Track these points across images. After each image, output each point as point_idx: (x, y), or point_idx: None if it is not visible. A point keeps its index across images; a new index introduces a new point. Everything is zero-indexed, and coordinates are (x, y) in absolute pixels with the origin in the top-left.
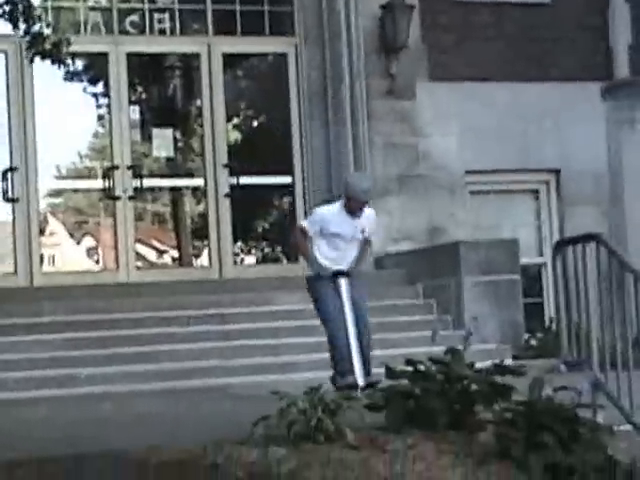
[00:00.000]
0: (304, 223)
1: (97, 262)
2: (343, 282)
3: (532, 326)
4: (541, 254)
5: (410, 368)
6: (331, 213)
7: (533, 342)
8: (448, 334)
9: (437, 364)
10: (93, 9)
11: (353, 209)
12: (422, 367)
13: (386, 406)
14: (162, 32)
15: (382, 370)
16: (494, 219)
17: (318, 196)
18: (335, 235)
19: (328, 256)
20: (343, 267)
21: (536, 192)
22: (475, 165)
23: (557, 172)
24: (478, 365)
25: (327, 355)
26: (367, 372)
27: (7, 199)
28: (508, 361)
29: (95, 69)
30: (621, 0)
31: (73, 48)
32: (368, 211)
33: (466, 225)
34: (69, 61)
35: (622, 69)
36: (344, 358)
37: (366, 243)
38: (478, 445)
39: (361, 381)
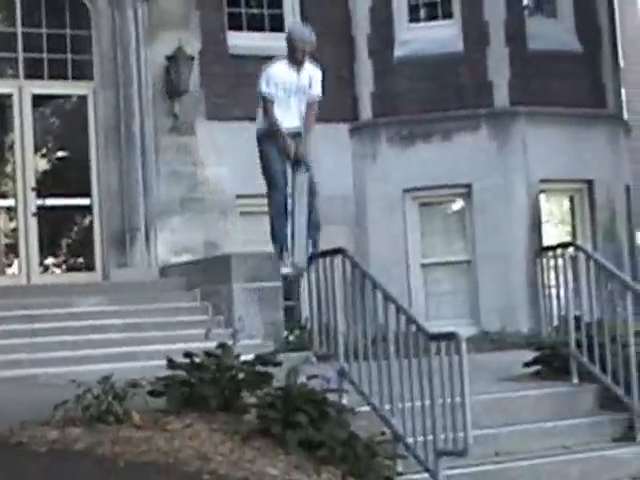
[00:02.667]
0: (264, 89)
1: None
2: (300, 178)
3: (291, 324)
4: None
5: (187, 360)
6: (278, 67)
7: (291, 338)
8: (220, 332)
9: (210, 357)
10: None
11: (297, 58)
12: (197, 359)
13: (166, 392)
14: None
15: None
16: (261, 236)
17: (112, 216)
18: (285, 88)
19: (282, 112)
20: (294, 126)
21: None
22: (244, 190)
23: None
24: (245, 357)
25: (121, 350)
26: (314, 242)
27: None
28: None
29: None
30: (365, 55)
31: None
32: (311, 66)
33: (237, 241)
34: None
35: (366, 112)
36: (281, 223)
37: (311, 106)
38: (244, 424)
39: (303, 261)
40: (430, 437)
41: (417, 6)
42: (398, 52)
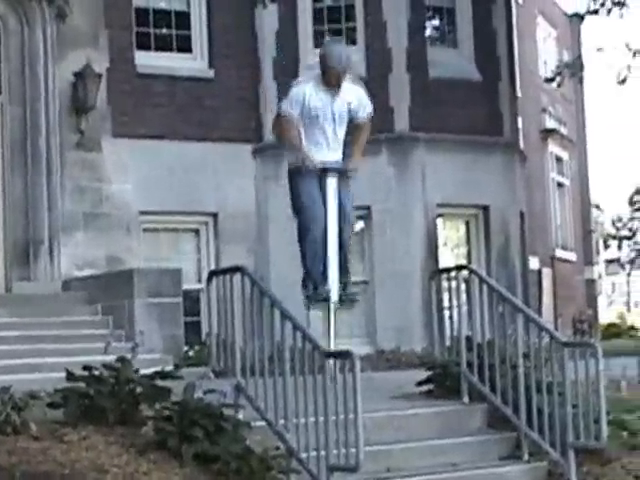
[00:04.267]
0: (283, 106)
1: None
2: (331, 181)
3: (192, 340)
4: (200, 281)
5: (87, 373)
6: (309, 87)
7: (191, 353)
8: (120, 346)
9: (109, 370)
10: None
11: (330, 81)
12: (97, 372)
13: (65, 404)
14: None
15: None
16: (163, 252)
17: (16, 229)
18: (318, 114)
19: (314, 143)
20: (332, 160)
21: (197, 231)
22: (148, 207)
23: (215, 215)
24: (144, 371)
25: (21, 362)
26: (344, 285)
27: None
28: (169, 368)
29: None
30: (270, 78)
31: None
32: (350, 85)
33: (140, 256)
34: None
35: (269, 134)
36: (317, 263)
37: (359, 127)
38: (141, 437)
39: (335, 295)
40: (323, 453)
41: (322, 32)
42: (302, 76)
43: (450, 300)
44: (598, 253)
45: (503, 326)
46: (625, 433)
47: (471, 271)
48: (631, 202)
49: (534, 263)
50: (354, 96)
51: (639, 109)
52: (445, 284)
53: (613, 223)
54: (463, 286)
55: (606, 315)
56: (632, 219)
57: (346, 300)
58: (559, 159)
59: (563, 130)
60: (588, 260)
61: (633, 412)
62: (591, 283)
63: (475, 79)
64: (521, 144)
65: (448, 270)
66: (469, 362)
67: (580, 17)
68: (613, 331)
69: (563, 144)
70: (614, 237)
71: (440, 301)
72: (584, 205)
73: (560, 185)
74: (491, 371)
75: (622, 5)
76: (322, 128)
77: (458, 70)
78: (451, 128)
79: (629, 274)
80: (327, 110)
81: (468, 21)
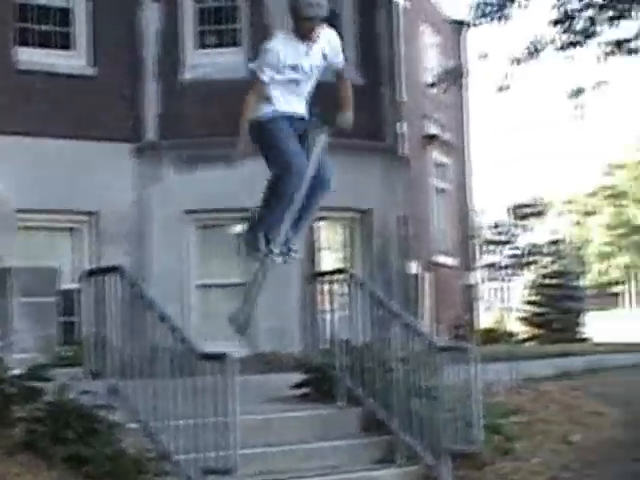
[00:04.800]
0: (257, 67)
1: None
2: (321, 137)
3: (69, 340)
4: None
5: None
6: (281, 44)
7: (67, 353)
8: None
9: None
10: None
11: (305, 34)
12: None
13: None
14: None
15: None
16: (41, 251)
17: None
18: (293, 72)
19: (287, 98)
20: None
21: (76, 230)
22: (26, 205)
23: (93, 214)
24: (16, 371)
25: None
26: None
27: None
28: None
29: None
30: (152, 77)
31: None
32: (324, 31)
33: (17, 254)
34: None
35: (150, 133)
36: (283, 217)
37: (339, 75)
38: (11, 439)
39: (277, 249)
40: (198, 455)
41: (205, 32)
42: (185, 76)
43: (329, 303)
44: (478, 259)
45: (381, 330)
46: (499, 437)
47: (349, 274)
48: (512, 212)
49: (414, 267)
50: (326, 41)
51: (521, 116)
52: (325, 287)
53: (494, 227)
54: (341, 290)
55: (484, 320)
56: (512, 225)
57: (286, 254)
58: (440, 165)
59: (445, 136)
60: (468, 265)
61: (508, 417)
62: (470, 288)
63: (358, 83)
64: (405, 149)
65: (326, 274)
66: (346, 365)
67: (464, 25)
68: (491, 336)
69: (445, 150)
70: (493, 242)
71: (316, 304)
72: (464, 211)
73: (441, 190)
74: (368, 375)
75: (505, 17)
76: (297, 82)
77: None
78: (333, 132)
79: (507, 280)
80: (303, 66)
81: (352, 26)
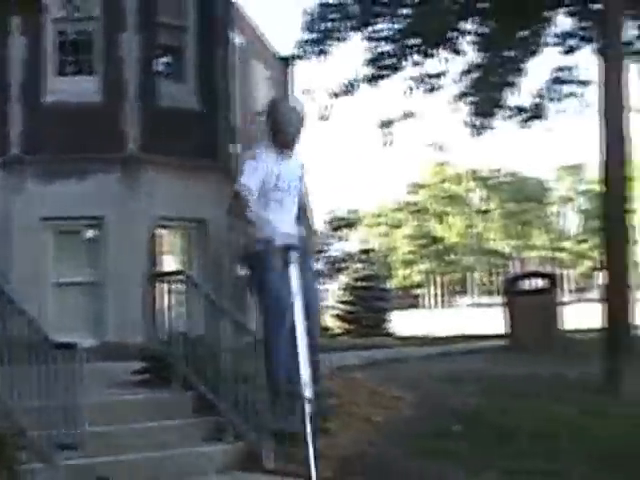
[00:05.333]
0: (243, 180)
1: None
2: (293, 260)
3: None
4: None
5: None
6: (265, 156)
7: None
8: None
9: None
10: None
11: (285, 145)
12: None
13: None
14: None
15: None
16: None
17: None
18: (277, 185)
19: (272, 218)
20: (292, 237)
21: None
22: None
23: None
24: None
25: None
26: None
27: None
28: None
29: None
30: (16, 98)
31: None
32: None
33: None
34: None
35: (15, 149)
36: (291, 363)
37: (303, 200)
38: None
39: (309, 392)
40: (51, 432)
41: (64, 61)
42: (46, 99)
43: (168, 300)
44: None
45: (212, 325)
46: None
47: (186, 276)
48: (328, 224)
49: (244, 270)
50: (297, 165)
51: (343, 139)
52: (164, 286)
53: None
54: (179, 288)
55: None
56: (328, 235)
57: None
58: None
59: None
60: None
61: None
62: None
63: (197, 110)
64: (237, 168)
65: (166, 274)
66: (182, 355)
67: (290, 61)
68: None
69: None
70: None
71: (157, 301)
72: None
73: None
74: (200, 363)
75: (325, 54)
76: (280, 201)
77: (183, 101)
78: (175, 151)
79: (324, 282)
80: (285, 179)
81: (193, 59)
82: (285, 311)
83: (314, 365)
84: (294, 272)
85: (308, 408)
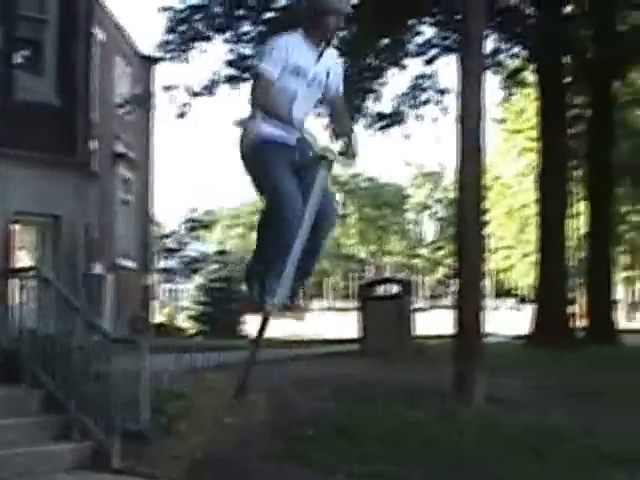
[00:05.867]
0: (264, 64)
1: None
2: (324, 172)
3: None
4: None
5: None
6: (292, 40)
7: None
8: None
9: None
10: None
11: (323, 31)
12: None
13: None
14: None
15: None
16: None
17: None
18: (298, 75)
19: (287, 113)
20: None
21: None
22: None
23: None
24: None
25: None
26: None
27: None
28: None
29: None
30: None
31: None
32: (333, 51)
33: None
34: None
35: None
36: (283, 264)
37: (341, 104)
38: None
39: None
40: None
41: None
42: None
43: (20, 297)
44: (155, 263)
45: (64, 323)
46: (164, 419)
47: (38, 273)
48: (185, 224)
49: (99, 269)
50: (333, 62)
51: (200, 142)
52: (16, 283)
53: (170, 236)
54: (33, 285)
55: (159, 317)
56: (184, 235)
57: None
58: (126, 180)
59: (131, 154)
60: (146, 268)
61: (173, 401)
62: (148, 288)
63: (56, 104)
64: (95, 165)
65: (18, 271)
66: (32, 352)
67: (151, 60)
68: (164, 330)
69: (131, 166)
70: (169, 250)
71: (7, 297)
72: (145, 220)
73: (126, 202)
74: (51, 361)
75: (186, 54)
76: (296, 95)
77: (41, 95)
78: (32, 146)
79: (180, 282)
80: (308, 72)
81: (53, 53)
82: (294, 214)
83: (307, 275)
84: (320, 179)
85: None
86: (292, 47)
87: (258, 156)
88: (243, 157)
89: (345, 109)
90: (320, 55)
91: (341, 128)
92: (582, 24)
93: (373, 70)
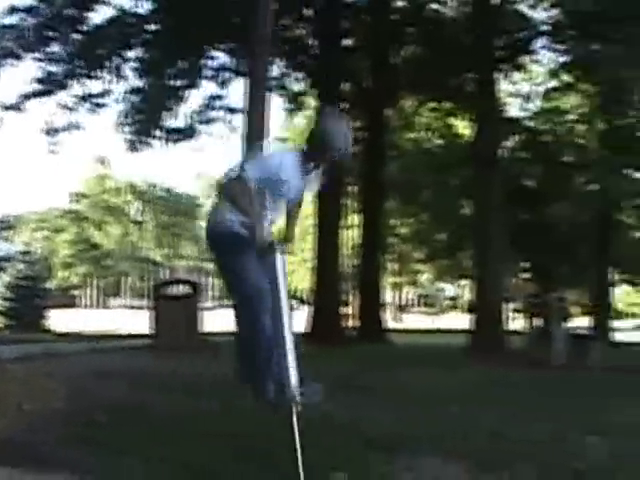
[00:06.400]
0: (247, 170)
1: None
2: (279, 256)
3: None
4: None
5: None
6: (285, 159)
7: None
8: None
9: None
10: None
11: (323, 161)
12: None
13: None
14: None
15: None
16: None
17: None
18: (281, 191)
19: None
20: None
21: None
22: None
23: None
24: None
25: None
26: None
27: None
28: None
29: None
30: None
31: None
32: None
33: None
34: None
35: None
36: (271, 358)
37: (298, 206)
38: None
39: (298, 394)
40: None
41: None
42: None
43: None
44: None
45: None
46: None
47: None
48: None
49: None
50: (314, 179)
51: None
52: None
53: None
54: None
55: None
56: None
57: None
58: None
59: None
60: None
61: None
62: None
63: None
64: None
65: None
66: None
67: None
68: None
69: None
70: None
71: None
72: None
73: None
74: None
75: None
76: (277, 204)
77: None
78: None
79: None
80: (291, 188)
81: None
82: (265, 301)
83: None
84: (279, 262)
85: (296, 414)
86: (283, 166)
87: (231, 244)
88: (212, 241)
89: (298, 214)
90: (306, 175)
91: (289, 231)
92: (360, 56)
93: (171, 90)
